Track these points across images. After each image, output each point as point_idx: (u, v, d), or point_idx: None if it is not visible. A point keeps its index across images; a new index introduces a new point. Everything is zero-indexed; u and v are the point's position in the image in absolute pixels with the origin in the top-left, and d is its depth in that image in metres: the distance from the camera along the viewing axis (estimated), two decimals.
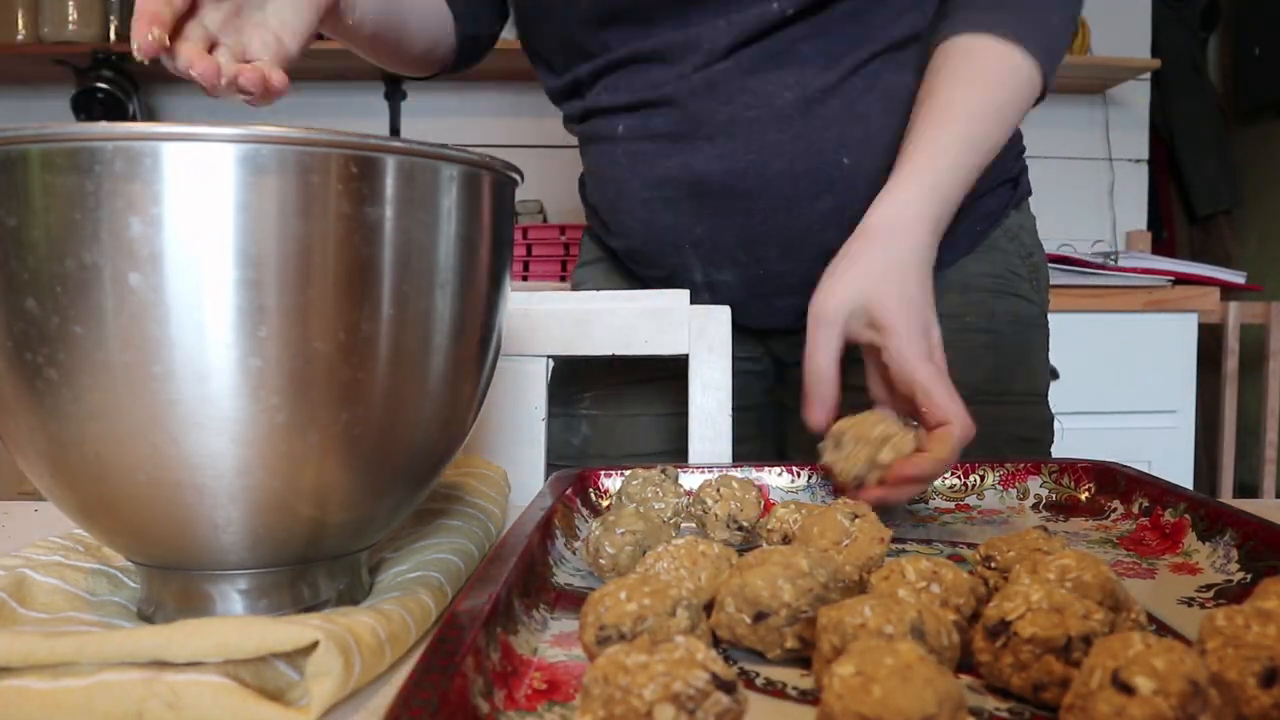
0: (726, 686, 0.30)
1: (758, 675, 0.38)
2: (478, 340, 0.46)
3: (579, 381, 0.98)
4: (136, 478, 0.38)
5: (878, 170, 0.77)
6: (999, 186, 0.88)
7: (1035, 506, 0.64)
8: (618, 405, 0.97)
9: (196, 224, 0.36)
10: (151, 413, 0.37)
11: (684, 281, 0.88)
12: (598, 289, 0.98)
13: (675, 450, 0.95)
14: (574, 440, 0.97)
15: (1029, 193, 0.94)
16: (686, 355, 0.86)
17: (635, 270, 0.94)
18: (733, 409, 0.92)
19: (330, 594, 0.45)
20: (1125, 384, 2.07)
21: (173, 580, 0.43)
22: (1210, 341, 2.17)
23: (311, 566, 0.44)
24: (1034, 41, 0.75)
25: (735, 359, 0.92)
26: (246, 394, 0.37)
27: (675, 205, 0.84)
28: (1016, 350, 0.88)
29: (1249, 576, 0.47)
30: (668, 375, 0.94)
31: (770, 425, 0.97)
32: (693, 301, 0.88)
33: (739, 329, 0.91)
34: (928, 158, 0.71)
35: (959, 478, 0.66)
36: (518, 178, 0.47)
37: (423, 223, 0.41)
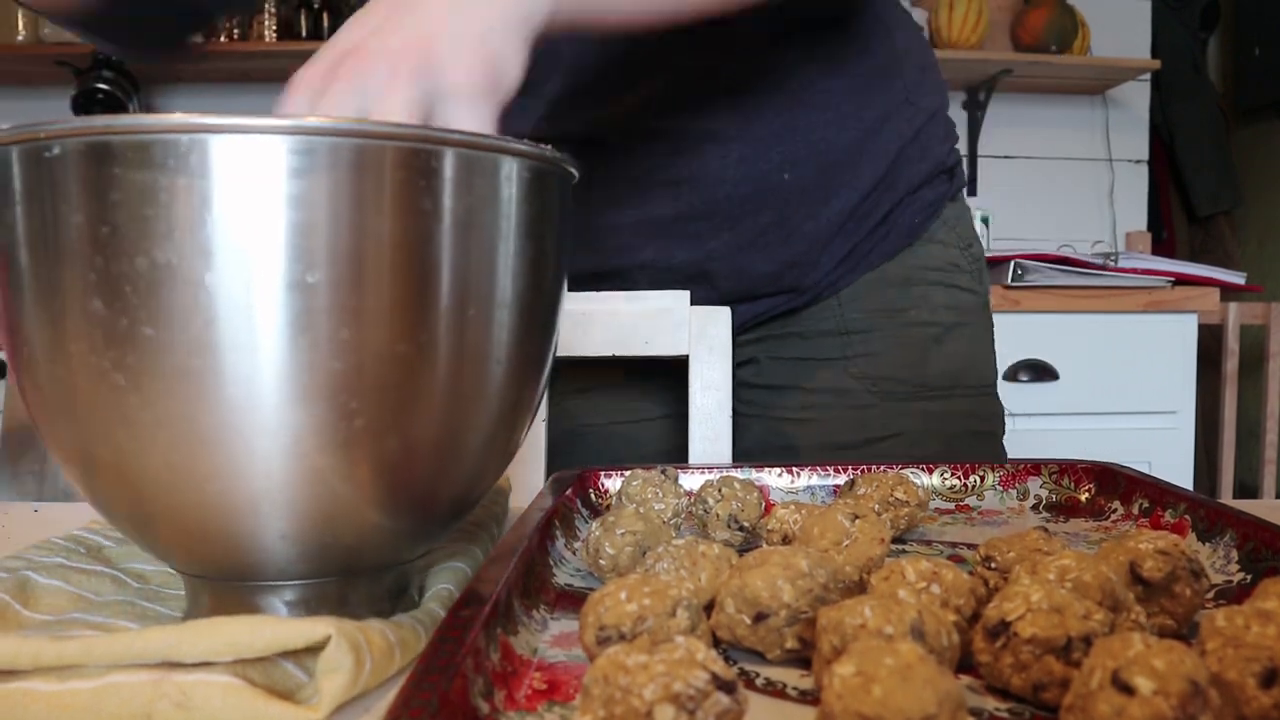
0: (727, 686, 0.30)
1: (758, 675, 0.38)
2: (539, 344, 0.44)
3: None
4: (208, 487, 0.37)
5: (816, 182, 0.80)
6: (935, 177, 0.88)
7: (1035, 507, 0.64)
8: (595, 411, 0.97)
9: (272, 220, 0.35)
10: (224, 419, 0.36)
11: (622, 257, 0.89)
12: None
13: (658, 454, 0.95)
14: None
15: (964, 184, 0.93)
16: (686, 355, 0.86)
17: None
18: (665, 416, 0.93)
19: (383, 602, 0.44)
20: (1125, 384, 2.08)
21: (220, 591, 0.42)
22: (1210, 342, 2.17)
23: (363, 576, 0.43)
24: None
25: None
26: (322, 399, 0.37)
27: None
28: (962, 343, 0.88)
29: (1249, 577, 0.47)
30: (636, 379, 0.94)
31: (673, 435, 0.96)
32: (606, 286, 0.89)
33: None
34: None
35: (959, 478, 0.66)
36: (575, 172, 0.45)
37: (484, 220, 0.39)
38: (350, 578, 0.42)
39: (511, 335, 0.41)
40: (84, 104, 2.21)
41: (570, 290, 0.94)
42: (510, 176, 0.40)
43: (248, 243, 0.35)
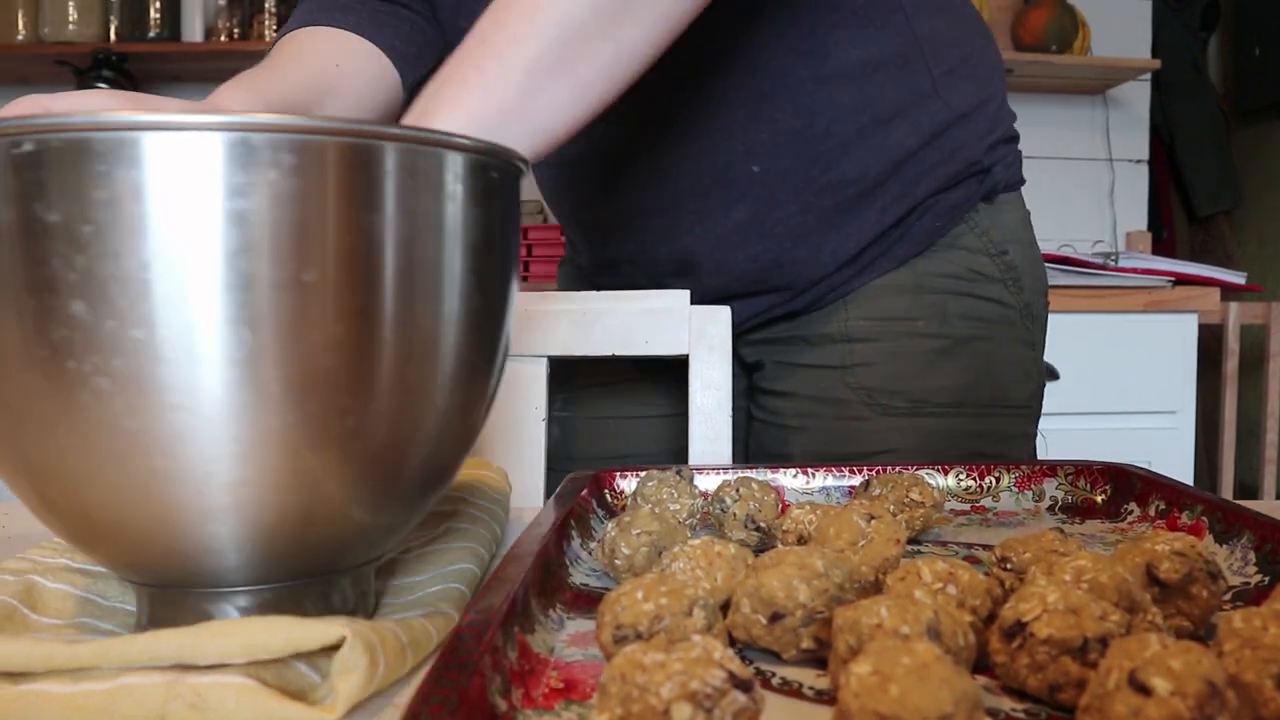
0: (743, 685, 0.30)
1: (774, 675, 0.39)
2: (488, 338, 0.44)
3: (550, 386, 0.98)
4: (154, 494, 0.37)
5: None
6: (965, 180, 0.82)
7: (1051, 509, 0.64)
8: (587, 407, 0.97)
9: (211, 217, 0.34)
10: (167, 421, 0.35)
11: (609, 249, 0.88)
12: (564, 289, 0.98)
13: (662, 453, 0.95)
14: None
15: (1008, 188, 0.85)
16: (686, 355, 0.87)
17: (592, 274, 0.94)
18: (676, 415, 0.93)
19: (339, 607, 0.43)
20: (1125, 384, 2.08)
21: (173, 600, 0.41)
22: (1210, 342, 2.17)
23: (317, 581, 0.42)
24: None
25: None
26: (267, 397, 0.36)
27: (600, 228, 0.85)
28: (978, 358, 0.82)
29: (1266, 579, 0.47)
30: (636, 377, 0.94)
31: (740, 431, 0.94)
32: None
33: None
34: None
35: (974, 480, 0.66)
36: (523, 166, 0.45)
37: (427, 216, 0.39)
38: (304, 583, 0.42)
39: (460, 324, 0.41)
40: None
41: (578, 287, 0.96)
42: (456, 171, 0.40)
43: (187, 241, 0.34)
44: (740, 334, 0.88)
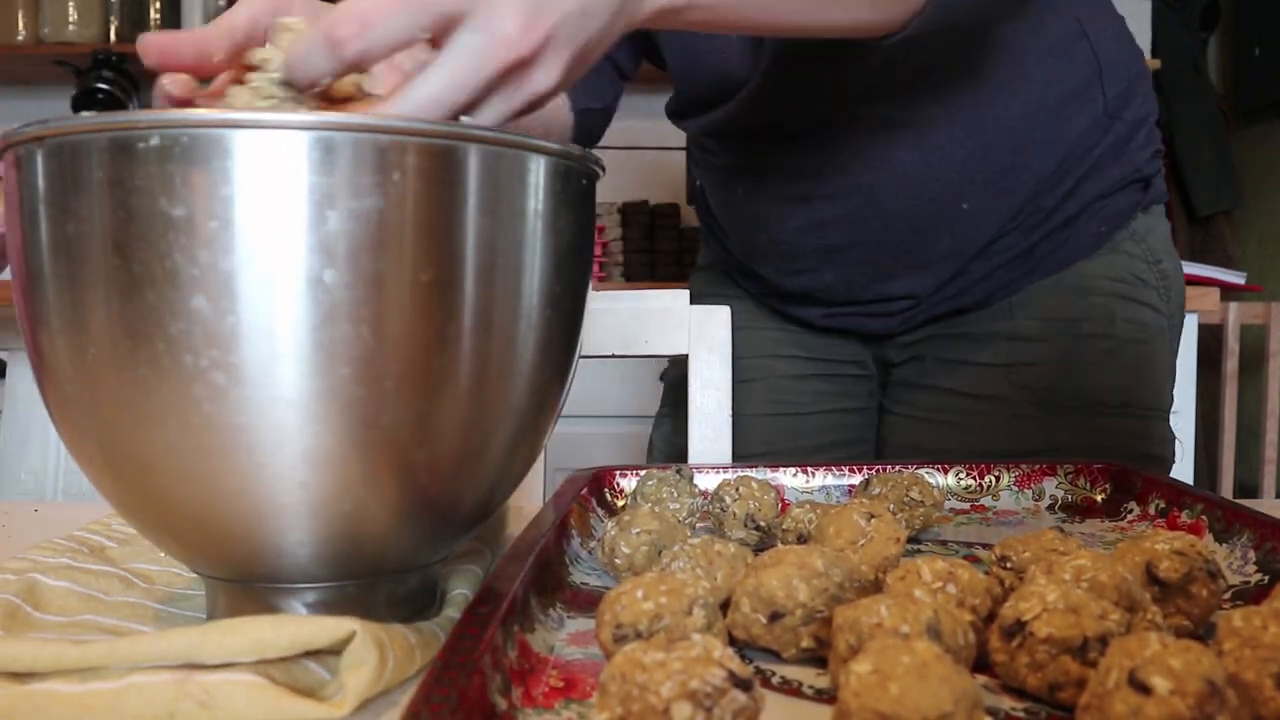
0: (743, 684, 0.30)
1: (773, 674, 0.39)
2: (563, 347, 0.44)
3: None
4: (230, 490, 0.37)
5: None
6: (1128, 185, 0.84)
7: (1051, 508, 0.65)
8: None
9: (294, 218, 0.34)
10: (245, 422, 0.36)
11: (800, 279, 0.87)
12: (710, 292, 0.97)
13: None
14: (681, 441, 0.93)
15: (1164, 197, 0.89)
16: (686, 355, 0.86)
17: (752, 269, 0.92)
18: (834, 411, 0.92)
19: (403, 607, 0.43)
20: None
21: (240, 593, 0.42)
22: (1210, 342, 2.17)
23: (382, 580, 0.42)
24: None
25: (840, 361, 0.92)
26: (343, 402, 0.36)
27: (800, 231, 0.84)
28: (1138, 361, 0.83)
29: (1266, 578, 0.47)
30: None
31: (873, 428, 0.95)
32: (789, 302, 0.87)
33: (847, 333, 0.91)
34: None
35: (974, 479, 0.66)
36: (600, 170, 0.45)
37: (510, 217, 0.39)
38: (372, 581, 0.42)
39: (537, 338, 0.41)
40: (84, 103, 2.21)
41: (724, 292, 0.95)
42: (537, 175, 0.40)
43: (270, 241, 0.34)
44: (890, 336, 0.89)
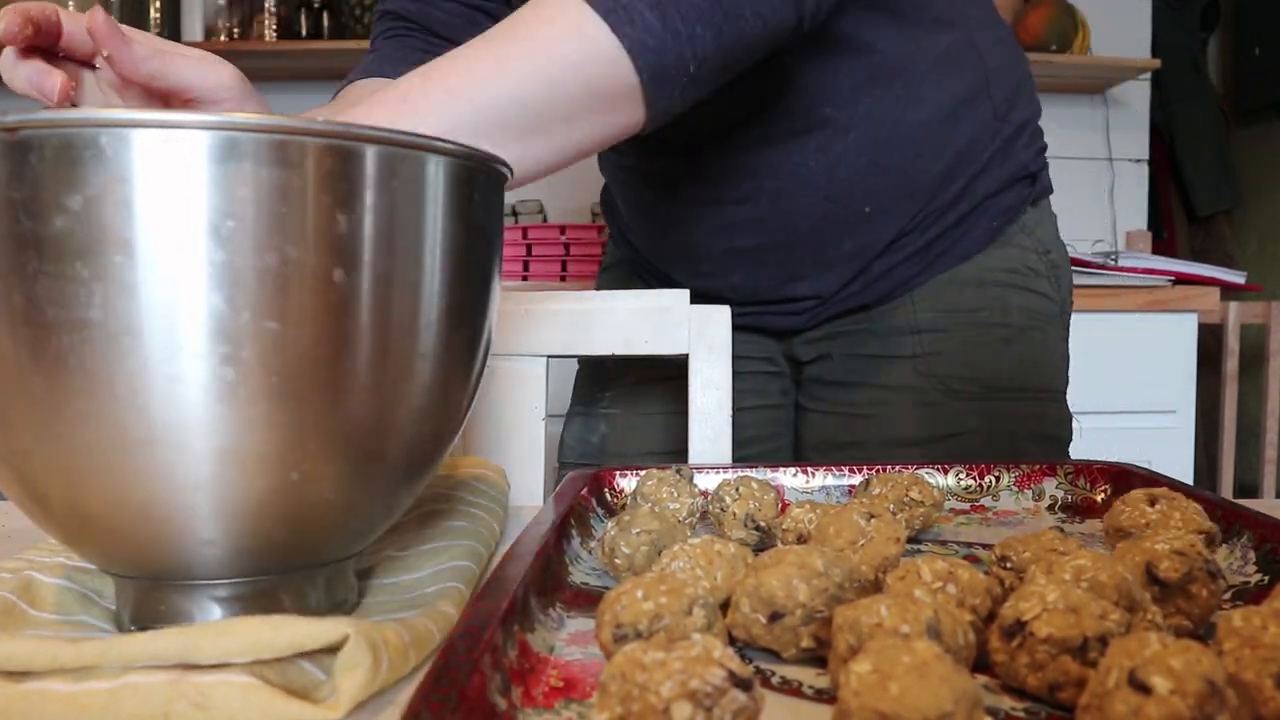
0: (743, 684, 0.30)
1: (773, 674, 0.39)
2: (466, 337, 0.45)
3: (600, 380, 0.99)
4: (137, 484, 0.37)
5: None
6: (1017, 182, 0.89)
7: (1051, 508, 0.64)
8: (634, 403, 0.97)
9: (194, 213, 0.35)
10: (148, 414, 0.36)
11: (708, 280, 0.90)
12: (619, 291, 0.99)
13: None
14: (592, 439, 0.98)
15: (1049, 191, 0.94)
16: (686, 355, 0.86)
17: (660, 268, 0.95)
18: (751, 408, 0.94)
19: (318, 602, 0.44)
20: (1125, 384, 2.08)
21: (150, 590, 0.41)
22: (1210, 341, 2.17)
23: (295, 576, 0.43)
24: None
25: (753, 359, 0.94)
26: (247, 390, 0.37)
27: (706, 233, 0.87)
28: (1033, 346, 0.88)
29: (1266, 579, 0.47)
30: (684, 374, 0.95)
31: (787, 424, 0.98)
32: (698, 301, 0.88)
33: (756, 330, 0.93)
34: None
35: (974, 479, 0.66)
36: (506, 171, 0.46)
37: (407, 216, 0.40)
38: (284, 576, 0.42)
39: (439, 324, 0.42)
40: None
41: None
42: (436, 174, 0.40)
43: (166, 234, 0.35)
44: (800, 332, 0.92)
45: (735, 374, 0.92)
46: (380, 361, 0.39)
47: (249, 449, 0.37)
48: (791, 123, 0.80)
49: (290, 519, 0.40)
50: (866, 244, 0.84)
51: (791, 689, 0.37)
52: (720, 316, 0.86)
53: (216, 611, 0.41)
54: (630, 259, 1.00)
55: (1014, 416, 0.87)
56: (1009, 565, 0.45)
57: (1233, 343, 2.14)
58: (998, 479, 0.66)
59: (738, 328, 0.92)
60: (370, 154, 0.38)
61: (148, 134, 0.34)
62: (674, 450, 0.95)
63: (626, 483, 0.64)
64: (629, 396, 0.98)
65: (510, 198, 2.26)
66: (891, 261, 0.86)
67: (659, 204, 0.88)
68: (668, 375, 0.95)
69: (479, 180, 0.44)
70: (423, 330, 0.41)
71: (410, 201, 0.40)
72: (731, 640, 0.40)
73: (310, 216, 0.36)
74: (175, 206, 0.35)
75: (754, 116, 0.81)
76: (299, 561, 0.42)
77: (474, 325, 0.45)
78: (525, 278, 2.14)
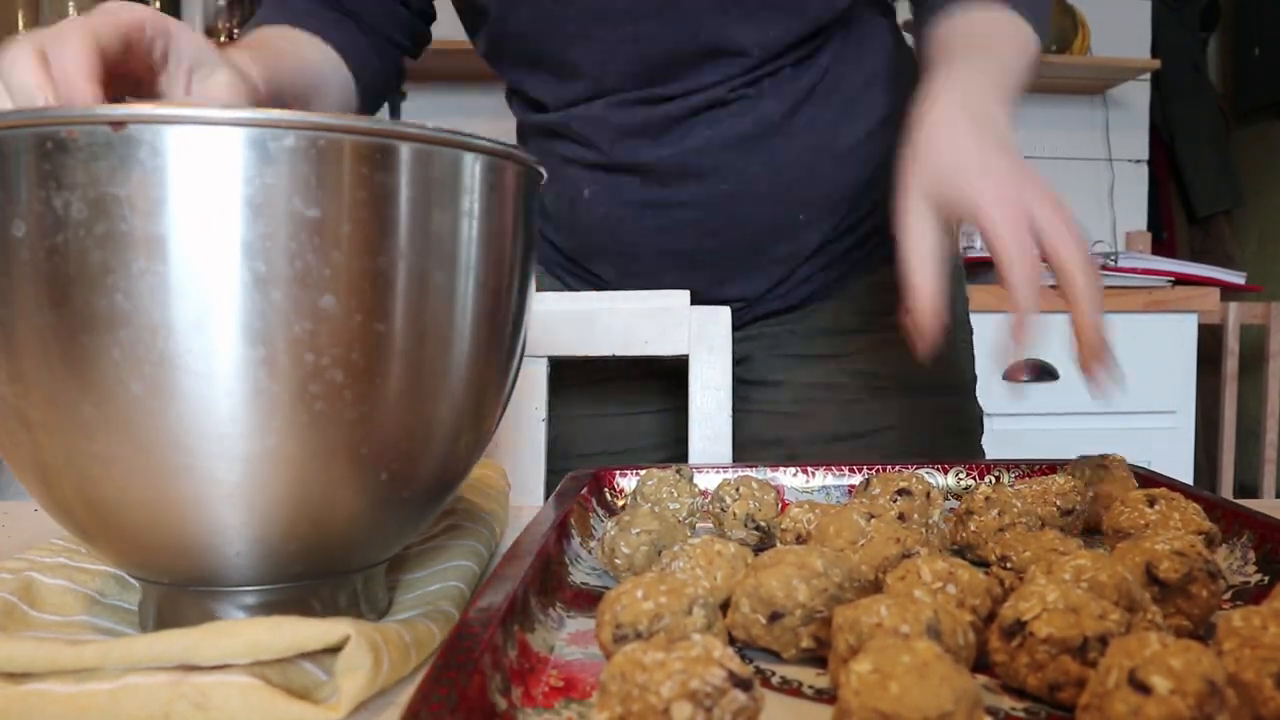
0: (743, 684, 0.30)
1: (773, 674, 0.39)
2: (502, 341, 0.44)
3: (591, 380, 0.99)
4: (167, 491, 0.37)
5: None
6: None
7: None
8: (580, 405, 0.98)
9: (229, 213, 0.34)
10: (180, 421, 0.36)
11: (638, 280, 0.90)
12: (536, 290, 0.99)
13: (655, 447, 0.96)
14: (579, 437, 0.97)
15: None
16: (686, 355, 0.86)
17: (586, 266, 0.94)
18: (677, 409, 0.94)
19: (347, 608, 0.43)
20: (1125, 384, 2.07)
21: (179, 598, 0.41)
22: (1210, 342, 2.17)
23: (326, 581, 0.42)
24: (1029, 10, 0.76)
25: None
26: (281, 394, 0.36)
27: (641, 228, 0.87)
28: (949, 347, 0.91)
29: (1266, 578, 0.47)
30: (636, 375, 0.95)
31: (671, 429, 0.98)
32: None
33: None
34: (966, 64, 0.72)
35: (974, 479, 0.66)
36: (543, 171, 0.45)
37: (443, 216, 0.39)
38: (313, 584, 0.42)
39: (474, 324, 0.41)
40: None
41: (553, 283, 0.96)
42: (472, 171, 0.40)
43: (204, 236, 0.34)
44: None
45: (657, 375, 0.94)
46: (416, 366, 0.39)
47: (278, 455, 0.36)
48: (744, 127, 0.82)
49: (319, 526, 0.39)
50: (796, 250, 0.87)
51: (791, 689, 0.37)
52: (720, 317, 0.86)
53: (242, 619, 0.40)
54: (548, 257, 0.99)
55: (931, 412, 0.90)
56: (1009, 565, 0.45)
57: (1233, 343, 2.13)
58: (998, 479, 0.66)
59: None
60: (405, 151, 0.37)
61: (183, 130, 0.33)
62: (600, 453, 0.95)
63: (626, 483, 0.65)
64: (583, 398, 0.97)
65: None
66: (815, 267, 0.88)
67: (595, 202, 0.88)
68: (615, 376, 0.96)
69: (514, 178, 0.43)
70: (458, 333, 0.40)
71: (445, 200, 0.39)
72: (731, 640, 0.40)
73: (346, 215, 0.36)
74: (209, 205, 0.34)
75: (715, 116, 0.82)
76: (328, 568, 0.42)
77: (508, 331, 0.44)
78: None
